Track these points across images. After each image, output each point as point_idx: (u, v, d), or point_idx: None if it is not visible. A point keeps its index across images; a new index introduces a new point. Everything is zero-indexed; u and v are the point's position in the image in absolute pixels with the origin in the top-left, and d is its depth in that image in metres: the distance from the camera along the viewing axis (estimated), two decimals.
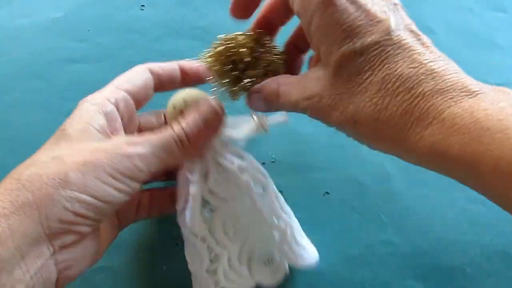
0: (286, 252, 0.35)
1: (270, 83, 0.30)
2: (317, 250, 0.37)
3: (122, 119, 0.32)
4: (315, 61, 0.30)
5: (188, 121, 0.30)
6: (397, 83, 0.23)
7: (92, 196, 0.25)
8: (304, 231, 0.37)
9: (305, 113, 0.28)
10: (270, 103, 0.30)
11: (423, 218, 0.41)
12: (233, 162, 0.33)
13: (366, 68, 0.24)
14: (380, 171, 0.43)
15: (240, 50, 0.31)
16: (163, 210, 0.37)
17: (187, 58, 0.50)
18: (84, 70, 0.49)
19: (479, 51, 0.52)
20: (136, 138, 0.28)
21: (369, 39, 0.24)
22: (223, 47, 0.31)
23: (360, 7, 0.24)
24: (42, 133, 0.45)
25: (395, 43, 0.24)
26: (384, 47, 0.24)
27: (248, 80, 0.31)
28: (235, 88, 0.32)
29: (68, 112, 0.48)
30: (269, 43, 0.33)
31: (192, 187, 0.32)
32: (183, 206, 0.32)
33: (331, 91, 0.25)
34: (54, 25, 0.52)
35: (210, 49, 0.32)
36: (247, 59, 0.31)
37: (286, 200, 0.36)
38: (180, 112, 0.32)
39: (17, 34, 0.51)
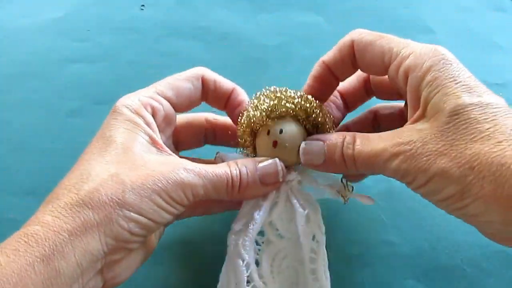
0: None
1: (341, 133, 0.31)
2: None
3: (158, 127, 0.32)
4: (413, 120, 0.29)
5: (248, 170, 0.31)
6: None
7: (146, 217, 0.27)
8: None
9: (388, 164, 0.28)
10: (333, 156, 0.30)
11: (423, 218, 0.41)
12: (304, 207, 0.33)
13: (488, 119, 0.26)
14: None
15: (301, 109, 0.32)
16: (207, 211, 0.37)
17: (187, 58, 0.50)
18: (84, 70, 0.49)
19: (479, 51, 0.52)
20: (191, 165, 0.29)
21: (489, 99, 0.26)
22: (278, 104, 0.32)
23: (471, 75, 0.28)
24: (42, 133, 0.46)
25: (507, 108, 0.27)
26: (500, 107, 0.26)
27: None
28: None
29: (68, 112, 0.48)
30: (318, 106, 0.33)
31: (259, 214, 0.32)
32: (240, 228, 0.32)
33: (440, 138, 0.26)
34: (54, 25, 0.52)
35: (258, 100, 0.33)
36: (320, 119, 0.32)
37: None
38: (273, 142, 0.32)
39: (17, 34, 0.51)
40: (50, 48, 0.50)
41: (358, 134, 0.30)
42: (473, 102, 0.26)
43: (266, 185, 0.31)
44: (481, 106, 0.26)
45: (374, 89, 0.36)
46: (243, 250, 0.31)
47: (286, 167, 0.32)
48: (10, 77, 0.48)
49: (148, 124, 0.30)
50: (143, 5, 0.54)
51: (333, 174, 0.34)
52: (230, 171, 0.30)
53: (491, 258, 0.39)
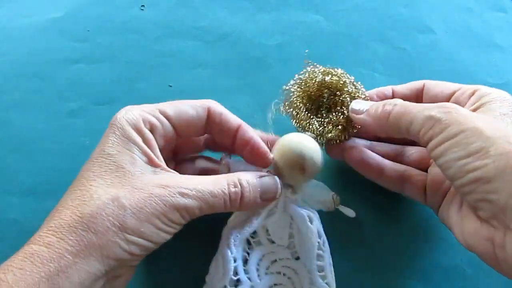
0: None
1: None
2: None
3: (157, 143, 0.32)
4: None
5: (251, 187, 0.32)
6: None
7: (146, 240, 0.28)
8: None
9: (422, 112, 0.31)
10: (374, 107, 0.35)
11: (423, 219, 0.41)
12: (303, 211, 0.35)
13: None
14: None
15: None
16: None
17: (187, 58, 0.50)
18: (84, 70, 0.49)
19: (479, 51, 0.52)
20: (187, 187, 0.30)
21: None
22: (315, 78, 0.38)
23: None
24: (42, 133, 0.46)
25: None
26: None
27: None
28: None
29: (68, 112, 0.48)
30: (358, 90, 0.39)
31: (257, 219, 0.34)
32: (235, 224, 0.34)
33: (483, 115, 0.31)
34: (54, 25, 0.52)
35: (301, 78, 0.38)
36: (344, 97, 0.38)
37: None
38: (300, 167, 0.34)
39: (17, 34, 0.51)
40: (50, 48, 0.50)
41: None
42: None
43: (264, 200, 0.33)
44: None
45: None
46: (233, 244, 0.33)
47: (287, 184, 0.35)
48: (10, 77, 0.48)
49: (146, 141, 0.31)
50: (143, 5, 0.54)
51: (326, 190, 0.37)
52: (228, 191, 0.31)
53: None
